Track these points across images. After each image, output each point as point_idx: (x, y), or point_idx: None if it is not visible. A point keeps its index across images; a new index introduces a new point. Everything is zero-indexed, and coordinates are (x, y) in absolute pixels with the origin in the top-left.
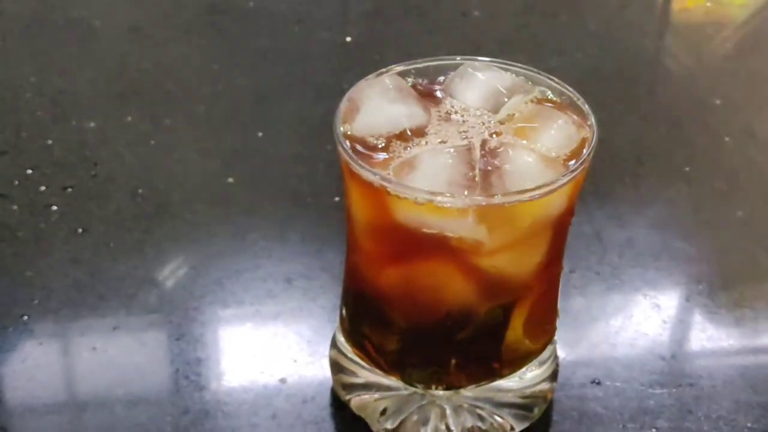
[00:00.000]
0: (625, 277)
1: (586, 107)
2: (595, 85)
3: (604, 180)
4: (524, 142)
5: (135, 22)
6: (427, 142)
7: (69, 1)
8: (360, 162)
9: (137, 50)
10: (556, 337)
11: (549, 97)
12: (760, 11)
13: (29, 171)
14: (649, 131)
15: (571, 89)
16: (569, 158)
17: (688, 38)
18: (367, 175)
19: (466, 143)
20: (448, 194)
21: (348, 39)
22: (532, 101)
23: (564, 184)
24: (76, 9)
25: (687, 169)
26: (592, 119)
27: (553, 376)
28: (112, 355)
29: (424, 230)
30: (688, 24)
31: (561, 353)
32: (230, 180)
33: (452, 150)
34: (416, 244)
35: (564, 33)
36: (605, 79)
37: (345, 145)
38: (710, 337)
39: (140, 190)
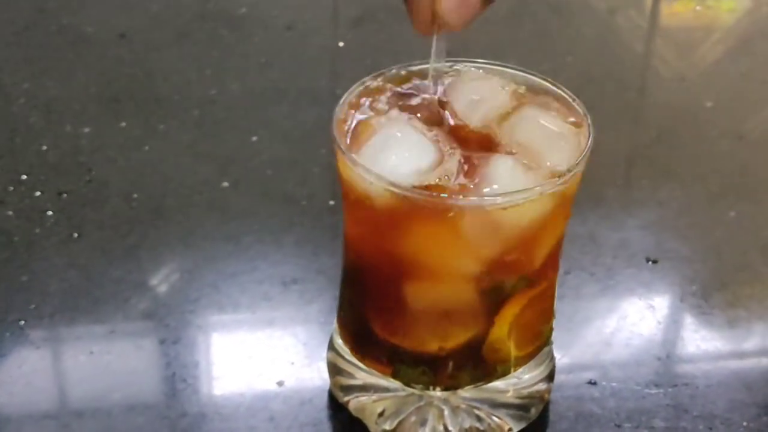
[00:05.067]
0: (620, 278)
1: (582, 108)
2: (586, 88)
3: (597, 182)
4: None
5: (126, 28)
6: None
7: (61, 8)
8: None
9: (129, 56)
10: (552, 338)
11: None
12: (748, 15)
13: (24, 176)
14: (641, 133)
15: (567, 91)
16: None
17: (677, 42)
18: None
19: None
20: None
21: (340, 44)
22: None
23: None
24: (67, 16)
25: (679, 170)
26: (589, 120)
27: (550, 377)
28: (109, 360)
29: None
30: (678, 28)
31: (557, 354)
32: (225, 184)
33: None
34: (417, 236)
35: (554, 37)
36: (596, 83)
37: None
38: (704, 337)
39: (135, 195)
